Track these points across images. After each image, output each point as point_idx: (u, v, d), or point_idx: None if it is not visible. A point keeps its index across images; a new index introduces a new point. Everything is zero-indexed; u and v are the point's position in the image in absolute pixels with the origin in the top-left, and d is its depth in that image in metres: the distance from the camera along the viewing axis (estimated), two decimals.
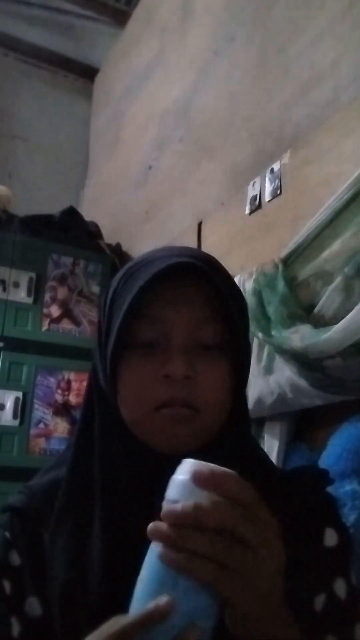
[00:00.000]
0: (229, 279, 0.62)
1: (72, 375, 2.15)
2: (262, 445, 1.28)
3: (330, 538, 0.60)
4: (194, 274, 0.57)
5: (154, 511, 0.54)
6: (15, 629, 0.56)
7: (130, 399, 0.57)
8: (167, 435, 0.56)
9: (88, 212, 2.68)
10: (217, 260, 0.63)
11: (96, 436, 0.60)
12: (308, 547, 0.58)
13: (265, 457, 0.68)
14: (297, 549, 0.57)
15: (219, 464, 0.55)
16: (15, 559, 0.60)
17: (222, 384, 0.58)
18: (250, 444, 0.65)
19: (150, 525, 0.43)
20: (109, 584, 0.54)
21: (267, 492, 0.59)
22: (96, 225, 2.49)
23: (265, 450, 1.25)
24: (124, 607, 0.44)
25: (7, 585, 0.59)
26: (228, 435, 0.60)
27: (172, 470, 0.54)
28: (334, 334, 1.03)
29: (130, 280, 0.58)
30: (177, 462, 0.54)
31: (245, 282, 1.32)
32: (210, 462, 0.48)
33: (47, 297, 2.19)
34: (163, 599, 0.40)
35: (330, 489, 0.65)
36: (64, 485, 0.60)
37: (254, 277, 1.30)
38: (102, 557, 0.55)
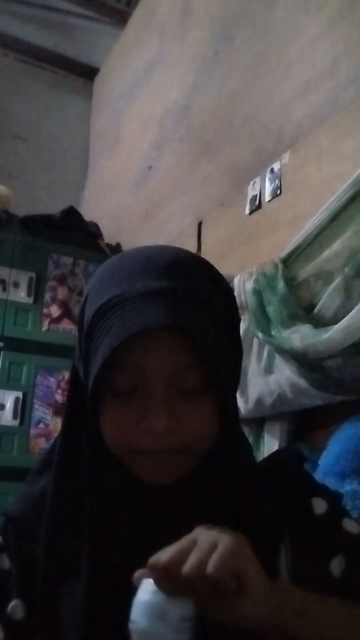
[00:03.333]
0: (213, 307, 0.56)
1: None
2: (262, 445, 1.28)
3: (319, 506, 0.61)
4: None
5: (142, 534, 0.55)
6: None
7: (111, 443, 0.56)
8: (152, 476, 0.56)
9: (88, 212, 2.68)
10: (203, 279, 0.58)
11: (81, 454, 0.59)
12: (303, 522, 0.59)
13: (251, 461, 0.67)
14: (294, 528, 0.59)
15: (207, 488, 0.58)
16: (5, 562, 0.60)
17: (208, 424, 0.55)
18: (239, 454, 0.63)
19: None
20: (95, 604, 0.54)
21: (252, 495, 0.60)
22: (96, 225, 2.48)
23: (265, 450, 1.26)
24: (108, 630, 0.46)
25: None
26: (217, 455, 0.58)
27: (160, 497, 0.56)
28: (334, 334, 1.03)
29: (106, 320, 0.53)
30: (165, 490, 0.56)
31: (245, 282, 1.32)
32: (196, 486, 0.52)
33: (47, 297, 2.19)
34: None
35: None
36: (48, 503, 0.60)
37: (254, 277, 1.30)
38: (88, 578, 0.55)
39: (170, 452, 0.54)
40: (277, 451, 0.71)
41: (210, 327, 0.55)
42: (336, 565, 0.57)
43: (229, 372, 0.58)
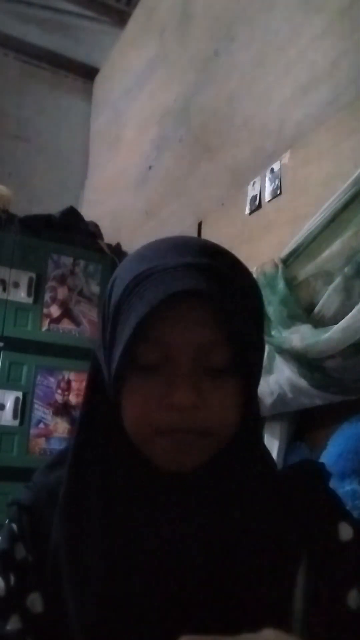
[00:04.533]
0: (243, 288, 0.56)
1: (72, 375, 2.15)
2: None
3: (345, 532, 0.58)
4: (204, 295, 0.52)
5: (156, 527, 0.54)
6: (15, 624, 0.55)
7: (133, 422, 0.54)
8: (171, 460, 0.54)
9: (88, 212, 2.68)
10: (232, 262, 0.58)
11: (98, 444, 0.58)
12: (326, 546, 0.57)
13: (269, 462, 0.65)
14: (315, 550, 0.56)
15: (223, 480, 0.56)
16: (20, 551, 0.59)
17: (232, 405, 0.54)
18: (258, 451, 0.62)
19: None
20: (109, 597, 0.53)
21: (271, 503, 0.58)
22: (96, 225, 2.49)
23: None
24: (123, 624, 0.44)
25: (10, 578, 0.58)
26: (235, 448, 0.57)
27: (176, 490, 0.55)
28: (334, 334, 1.03)
29: (137, 291, 0.52)
30: (181, 483, 0.55)
31: None
32: (213, 479, 0.50)
33: (47, 297, 2.20)
34: None
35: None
36: (63, 490, 0.59)
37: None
38: (101, 572, 0.54)
39: (191, 433, 0.53)
40: (302, 462, 0.68)
41: (242, 307, 0.54)
42: (353, 597, 0.54)
43: (257, 355, 0.56)
